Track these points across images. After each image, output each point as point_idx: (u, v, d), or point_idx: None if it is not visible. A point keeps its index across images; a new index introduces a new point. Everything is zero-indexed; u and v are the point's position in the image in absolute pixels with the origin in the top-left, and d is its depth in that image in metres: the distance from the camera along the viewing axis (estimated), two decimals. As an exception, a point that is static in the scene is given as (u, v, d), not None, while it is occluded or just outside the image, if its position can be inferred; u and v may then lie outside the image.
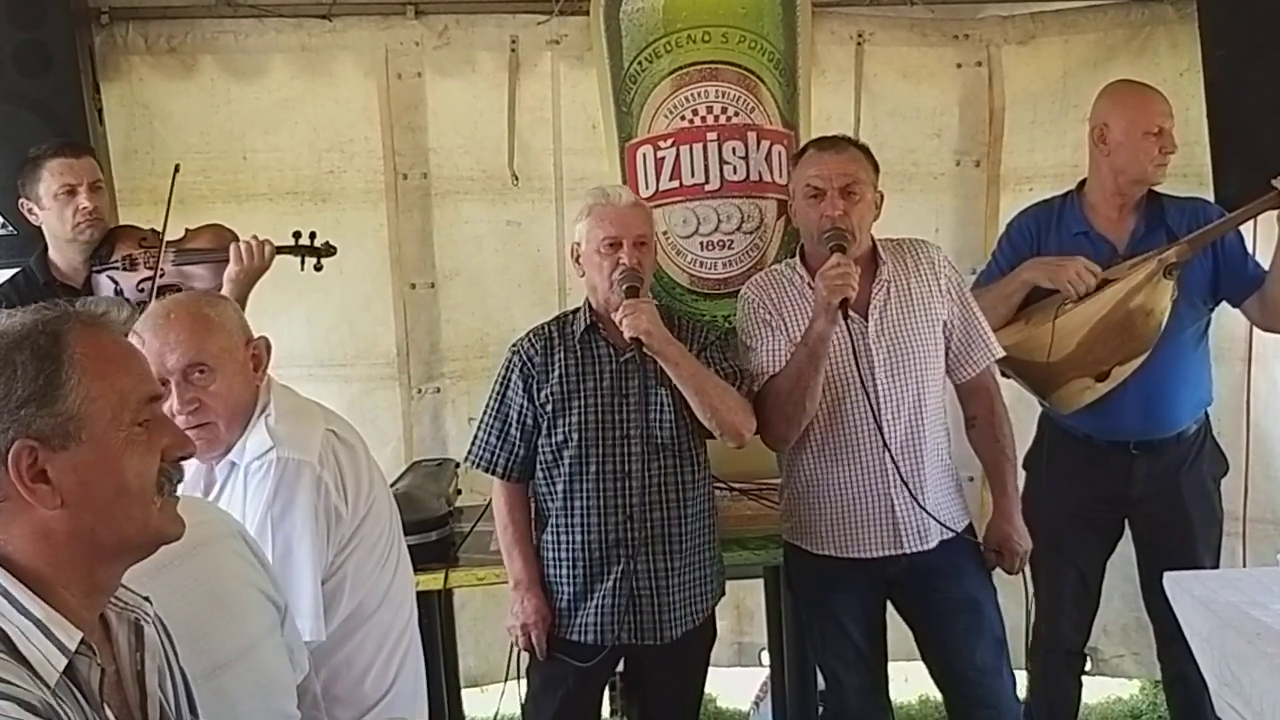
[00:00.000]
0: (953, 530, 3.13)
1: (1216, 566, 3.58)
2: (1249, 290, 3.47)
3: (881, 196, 3.16)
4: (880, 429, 3.05)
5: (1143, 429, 3.48)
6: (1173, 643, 3.50)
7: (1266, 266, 3.44)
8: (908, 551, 3.11)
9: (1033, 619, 3.61)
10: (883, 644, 3.29)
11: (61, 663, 1.35)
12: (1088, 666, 4.36)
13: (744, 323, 3.25)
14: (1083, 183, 3.58)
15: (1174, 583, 2.78)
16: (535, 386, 3.09)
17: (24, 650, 1.34)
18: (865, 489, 3.11)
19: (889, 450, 3.05)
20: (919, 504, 3.07)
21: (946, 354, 3.19)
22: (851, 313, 2.98)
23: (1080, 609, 3.67)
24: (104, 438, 1.41)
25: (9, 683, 1.28)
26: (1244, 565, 4.05)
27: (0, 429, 1.36)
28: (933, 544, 3.11)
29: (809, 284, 3.11)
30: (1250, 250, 3.51)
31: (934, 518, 3.09)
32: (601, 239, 3.02)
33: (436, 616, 3.53)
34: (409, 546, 2.97)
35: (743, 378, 3.12)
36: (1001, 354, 3.23)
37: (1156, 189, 3.51)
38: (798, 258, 3.24)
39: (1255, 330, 3.95)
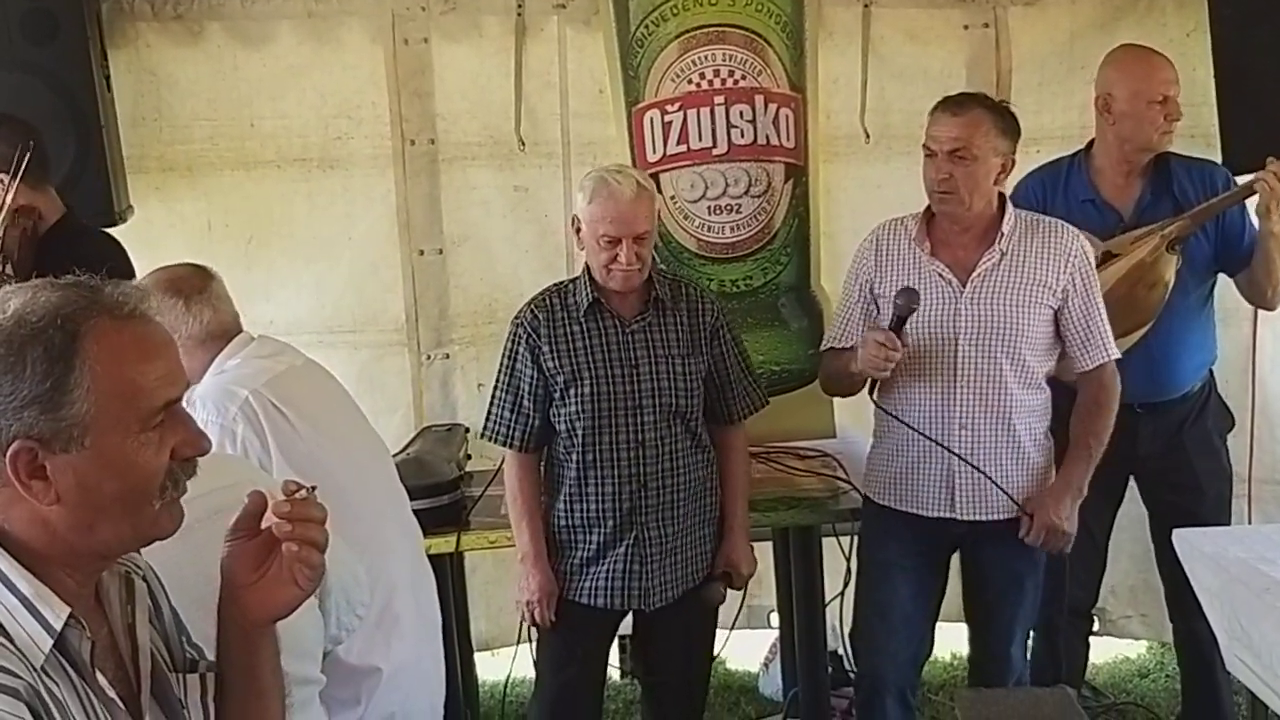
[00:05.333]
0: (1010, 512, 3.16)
1: (1228, 521, 3.60)
2: (1241, 265, 3.49)
3: (1012, 161, 3.11)
4: (953, 397, 3.09)
5: (1146, 392, 3.48)
6: (1183, 600, 3.55)
7: None
8: (961, 518, 3.13)
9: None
10: (931, 614, 3.33)
11: (47, 643, 1.33)
12: (1095, 627, 4.40)
13: (853, 264, 3.31)
14: (1091, 143, 3.58)
15: (1183, 540, 2.81)
16: (543, 358, 3.10)
17: (10, 629, 1.32)
18: (928, 449, 3.12)
19: (956, 419, 3.09)
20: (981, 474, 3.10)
21: (1065, 345, 3.16)
22: (952, 276, 3.07)
23: (1087, 568, 3.69)
24: (108, 444, 1.37)
25: None
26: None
27: (4, 424, 1.33)
28: (995, 517, 3.13)
29: (926, 235, 3.15)
30: (1251, 223, 3.50)
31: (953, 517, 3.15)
32: (600, 235, 3.01)
33: (448, 580, 3.55)
34: (420, 511, 3.01)
35: (752, 372, 3.27)
36: (1117, 355, 3.18)
37: (1166, 150, 3.50)
38: (922, 210, 3.21)
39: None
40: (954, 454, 3.08)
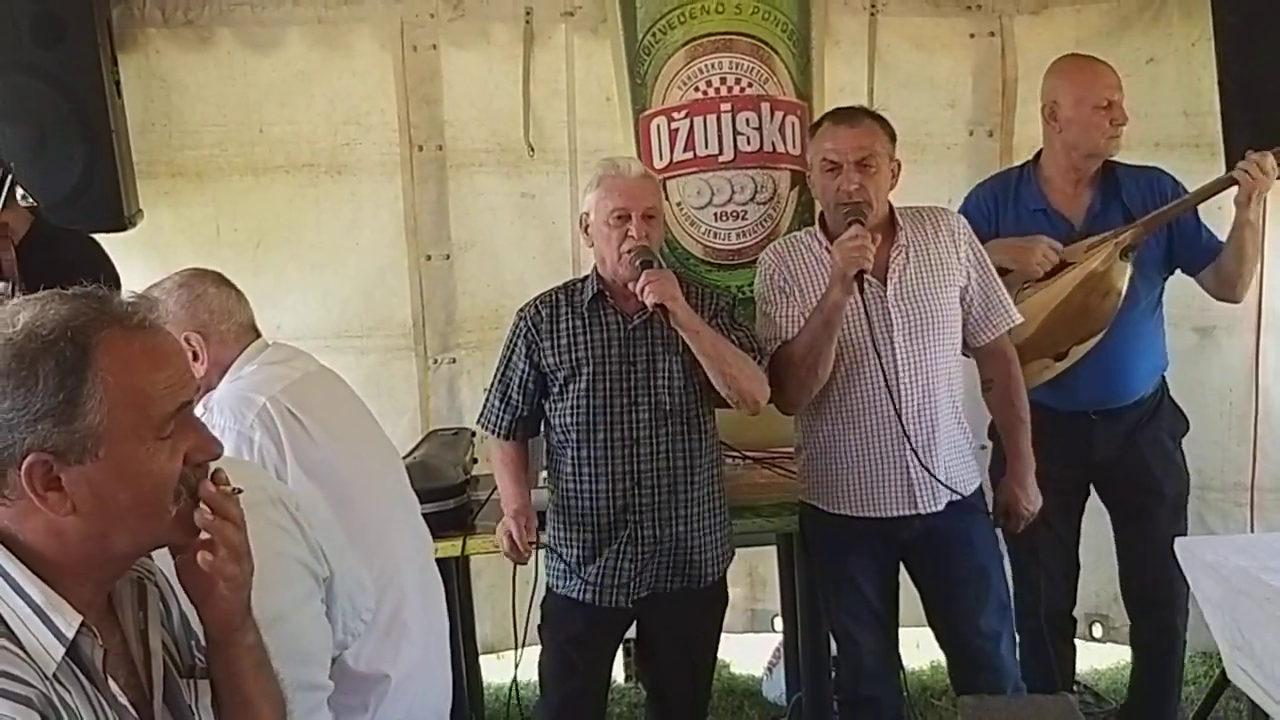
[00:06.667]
0: (959, 494, 3.19)
1: (1184, 526, 3.65)
2: (1204, 262, 3.51)
3: (899, 165, 3.20)
4: (893, 393, 3.10)
5: (1100, 400, 3.54)
6: (1137, 606, 3.71)
7: (1221, 237, 3.47)
8: (921, 512, 3.17)
9: (1011, 586, 3.67)
10: (895, 606, 3.36)
11: (60, 652, 1.35)
12: (1098, 634, 4.41)
13: (761, 288, 3.30)
14: (1039, 154, 3.61)
15: (1184, 548, 2.81)
16: (539, 352, 3.13)
17: (21, 637, 1.34)
18: (881, 450, 3.16)
19: (900, 415, 3.10)
20: (928, 471, 3.13)
21: (965, 320, 3.24)
22: (870, 278, 3.05)
23: (1063, 572, 3.74)
24: (121, 454, 1.38)
25: (6, 675, 1.29)
26: (1252, 535, 4.07)
27: (17, 437, 1.34)
28: (942, 505, 3.17)
29: (828, 251, 3.15)
30: (1203, 222, 3.52)
31: (946, 485, 3.15)
32: (610, 211, 3.03)
33: (453, 584, 3.56)
34: (426, 514, 3.01)
35: (756, 344, 3.16)
36: (1020, 320, 3.28)
37: (1113, 158, 3.53)
38: (817, 226, 3.28)
39: (1266, 300, 3.96)
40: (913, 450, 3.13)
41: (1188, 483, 3.69)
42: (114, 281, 3.36)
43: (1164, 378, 3.66)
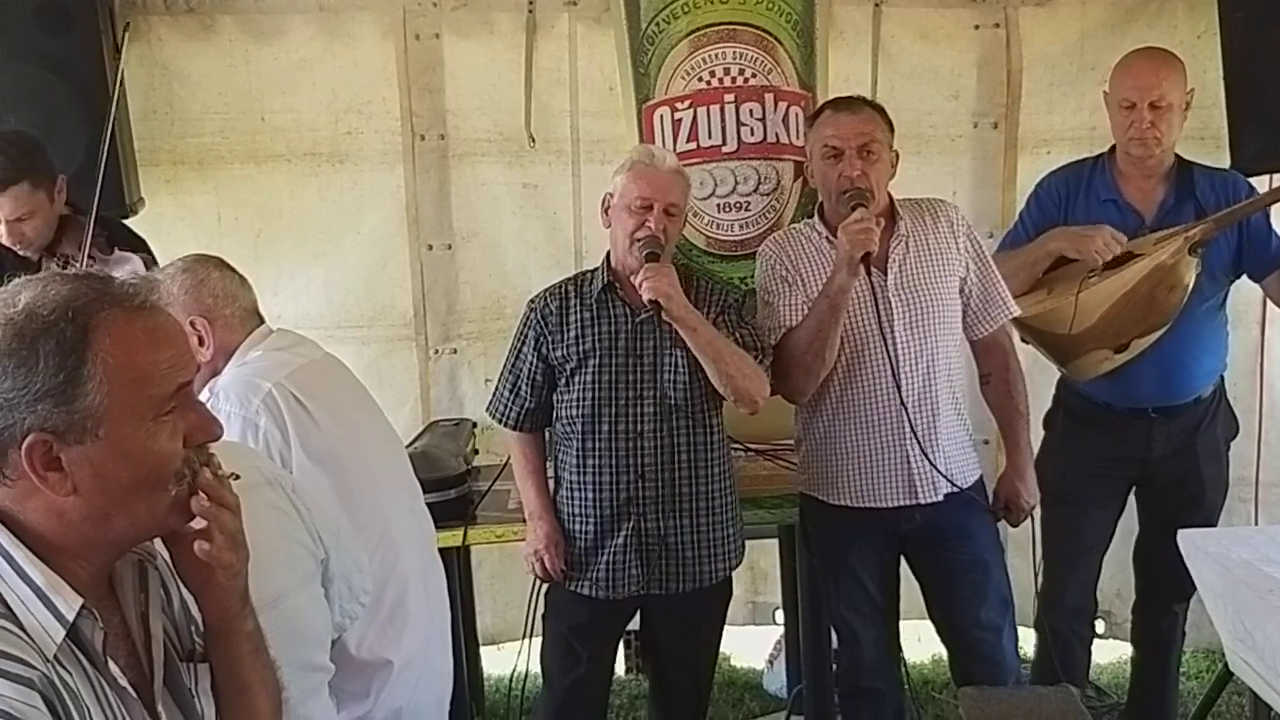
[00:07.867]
0: (958, 487, 3.17)
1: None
2: (1270, 268, 3.48)
3: (897, 155, 3.19)
4: (898, 382, 3.09)
5: (1160, 396, 3.50)
6: (1148, 601, 3.71)
7: None
8: (922, 502, 3.16)
9: (1041, 579, 3.66)
10: (895, 599, 3.35)
11: (60, 634, 1.34)
12: (1101, 629, 4.40)
13: (763, 279, 3.28)
14: (1115, 146, 3.58)
15: (1187, 540, 2.81)
16: (548, 345, 3.12)
17: (22, 619, 1.34)
18: (882, 440, 3.15)
19: (904, 403, 3.09)
20: (929, 460, 3.12)
21: (964, 311, 3.22)
22: (872, 267, 3.04)
23: (1091, 568, 3.71)
24: (122, 434, 1.38)
25: (7, 656, 1.29)
26: (1256, 529, 4.06)
27: (18, 417, 1.34)
28: (942, 496, 3.16)
29: (828, 241, 3.15)
30: (1274, 227, 3.50)
31: (945, 476, 3.14)
32: (634, 197, 3.02)
33: (454, 574, 3.55)
34: (427, 505, 3.01)
35: (760, 342, 3.14)
36: (1018, 312, 3.27)
37: (1188, 158, 3.49)
38: (817, 216, 3.27)
39: (1270, 294, 3.95)
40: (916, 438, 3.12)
41: (1226, 488, 3.68)
42: (153, 260, 3.48)
43: (1223, 378, 3.64)
